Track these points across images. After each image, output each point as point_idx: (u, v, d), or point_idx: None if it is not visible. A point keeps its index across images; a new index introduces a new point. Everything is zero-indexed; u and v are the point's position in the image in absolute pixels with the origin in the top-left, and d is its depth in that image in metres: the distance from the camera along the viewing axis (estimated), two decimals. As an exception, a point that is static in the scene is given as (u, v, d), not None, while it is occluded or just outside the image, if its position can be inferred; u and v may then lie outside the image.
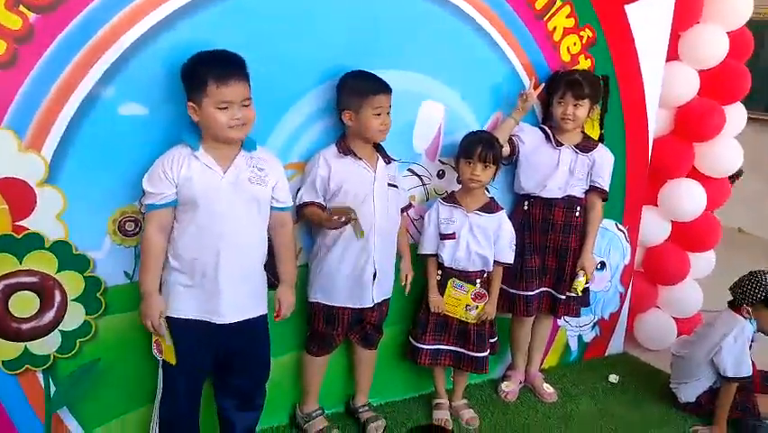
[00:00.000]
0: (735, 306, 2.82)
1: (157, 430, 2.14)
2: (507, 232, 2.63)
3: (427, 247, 2.62)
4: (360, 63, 2.36)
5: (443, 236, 2.59)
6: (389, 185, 2.41)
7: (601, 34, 2.91)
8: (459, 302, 2.61)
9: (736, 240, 6.02)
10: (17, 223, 1.99)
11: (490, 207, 2.61)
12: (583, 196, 2.82)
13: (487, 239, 2.59)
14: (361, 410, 2.68)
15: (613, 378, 3.22)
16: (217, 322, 2.07)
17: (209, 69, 1.92)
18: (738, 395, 2.78)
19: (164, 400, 2.14)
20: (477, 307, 2.60)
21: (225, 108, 1.94)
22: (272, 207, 2.15)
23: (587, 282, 2.86)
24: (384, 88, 2.29)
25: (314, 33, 2.30)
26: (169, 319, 2.04)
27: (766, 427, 2.80)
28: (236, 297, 2.08)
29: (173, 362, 2.05)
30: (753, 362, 2.81)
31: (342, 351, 2.66)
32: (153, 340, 2.12)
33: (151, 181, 1.99)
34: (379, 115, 2.28)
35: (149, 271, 2.03)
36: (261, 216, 2.12)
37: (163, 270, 2.06)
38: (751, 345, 2.80)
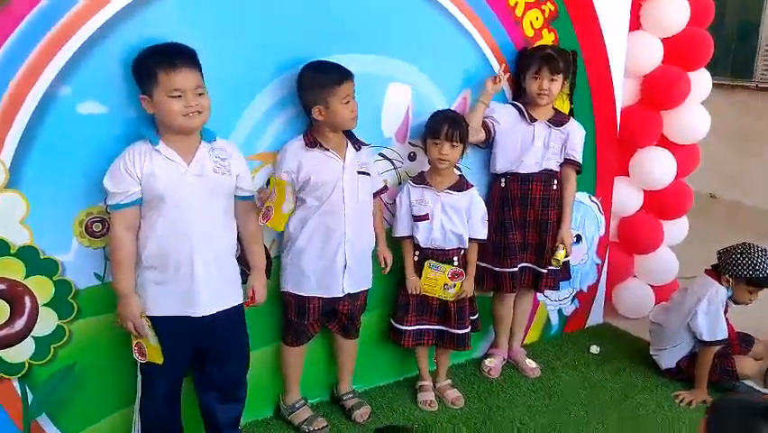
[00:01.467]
0: (716, 271, 2.84)
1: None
2: (479, 209, 2.63)
3: (401, 230, 2.62)
4: (319, 50, 2.34)
5: (417, 218, 2.59)
6: (360, 173, 2.39)
7: (563, 7, 2.91)
8: (436, 282, 2.61)
9: (708, 206, 6.10)
10: (-21, 231, 1.95)
11: (461, 186, 2.61)
12: (558, 169, 2.83)
13: (460, 217, 2.60)
14: (345, 398, 2.67)
15: (594, 349, 3.25)
16: (195, 315, 2.05)
17: (158, 60, 1.91)
18: (717, 358, 2.82)
19: (144, 401, 2.12)
20: (455, 285, 2.61)
21: (179, 96, 1.92)
22: (237, 197, 2.14)
23: (566, 255, 2.87)
24: (347, 75, 2.27)
25: (270, 22, 2.27)
26: (150, 319, 2.02)
27: (745, 387, 2.86)
28: (212, 288, 2.07)
29: (160, 361, 2.03)
30: (730, 324, 2.85)
31: (323, 340, 2.66)
32: (134, 344, 2.08)
33: (114, 180, 1.96)
34: (347, 103, 2.26)
35: (122, 271, 2.00)
36: (228, 206, 2.12)
37: (144, 270, 2.03)
38: (726, 309, 2.84)
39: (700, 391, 2.80)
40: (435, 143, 2.51)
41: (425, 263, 2.60)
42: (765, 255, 2.75)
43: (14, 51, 1.89)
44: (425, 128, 2.57)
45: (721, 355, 2.83)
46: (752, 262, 2.74)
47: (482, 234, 2.65)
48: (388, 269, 2.60)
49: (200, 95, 1.96)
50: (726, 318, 2.83)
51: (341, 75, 2.26)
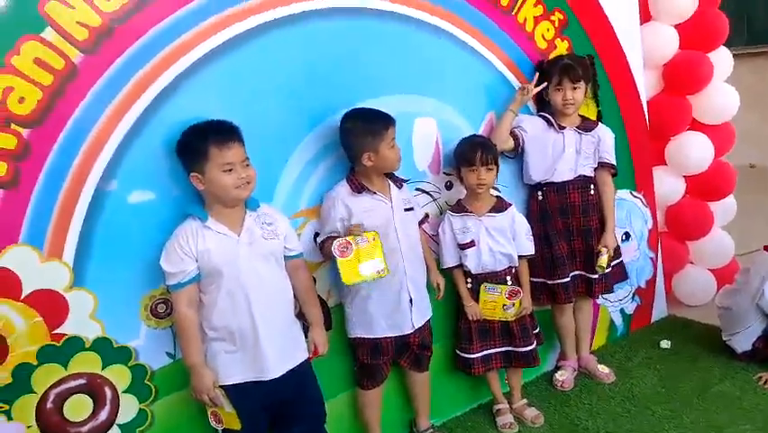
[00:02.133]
0: None
1: None
2: (522, 225, 2.65)
3: (449, 260, 2.64)
4: (347, 99, 2.40)
5: (463, 246, 2.61)
6: (407, 209, 2.44)
7: (572, 15, 2.94)
8: (495, 304, 2.61)
9: (750, 176, 5.98)
10: (54, 331, 2.02)
11: (500, 207, 2.63)
12: (593, 174, 2.83)
13: (505, 237, 2.61)
14: (426, 433, 2.68)
15: (665, 343, 3.20)
16: (267, 379, 2.10)
17: (209, 136, 1.99)
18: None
19: None
20: (514, 304, 2.61)
21: (230, 170, 1.99)
22: (286, 257, 2.19)
23: (610, 260, 2.84)
24: (391, 120, 2.34)
25: (296, 81, 2.34)
26: (222, 388, 2.07)
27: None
28: (278, 349, 2.11)
29: (238, 427, 2.06)
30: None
31: (396, 378, 2.67)
32: (210, 412, 2.13)
33: (170, 261, 2.02)
34: (393, 147, 2.33)
35: (190, 346, 2.06)
36: (280, 268, 2.17)
37: (210, 342, 2.09)
38: (793, 282, 2.78)
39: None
40: (472, 170, 2.53)
41: (481, 288, 2.61)
42: None
43: (62, 156, 1.97)
44: (455, 157, 2.61)
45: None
46: None
47: (530, 249, 2.66)
48: (441, 294, 2.61)
49: (247, 165, 2.04)
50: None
51: (386, 121, 2.32)
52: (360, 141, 2.30)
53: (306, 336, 2.27)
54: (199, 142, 1.99)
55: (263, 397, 2.11)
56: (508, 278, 2.65)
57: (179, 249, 2.01)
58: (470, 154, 2.53)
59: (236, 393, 2.08)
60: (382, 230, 2.34)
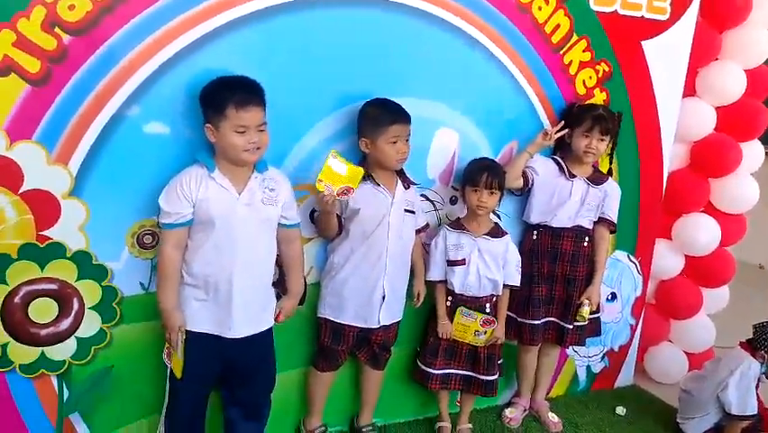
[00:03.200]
0: (751, 345, 2.81)
1: None
2: (514, 255, 2.68)
3: (435, 274, 2.66)
4: (376, 90, 2.43)
5: (452, 262, 2.64)
6: (406, 211, 2.47)
7: (617, 69, 2.95)
8: (467, 328, 2.64)
9: (757, 276, 5.95)
10: (41, 232, 2.08)
11: (497, 232, 2.67)
12: (591, 227, 2.85)
13: (496, 263, 2.64)
14: (364, 430, 2.72)
15: (620, 410, 3.21)
16: (228, 336, 2.14)
17: (231, 94, 2.00)
18: (745, 433, 2.77)
19: (170, 410, 2.21)
20: (485, 332, 2.64)
21: (243, 132, 2.02)
22: (280, 225, 2.22)
23: (592, 312, 2.87)
24: (400, 118, 2.35)
25: (330, 60, 2.38)
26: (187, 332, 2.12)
27: (772, 467, 2.79)
28: (247, 312, 2.16)
29: (178, 375, 2.12)
30: (760, 400, 2.80)
31: (350, 369, 2.71)
32: (165, 347, 2.19)
33: (168, 201, 2.06)
34: (394, 143, 2.35)
35: (167, 287, 2.10)
36: (272, 234, 2.21)
37: (185, 286, 2.14)
38: (758, 384, 2.78)
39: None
40: (475, 190, 2.57)
41: (458, 309, 2.63)
42: None
43: (93, 71, 2.04)
44: (463, 175, 2.64)
45: (749, 431, 2.77)
46: None
47: (516, 280, 2.69)
48: (419, 303, 2.65)
49: (261, 131, 2.06)
50: (758, 394, 2.78)
51: (395, 116, 2.35)
52: (363, 125, 2.36)
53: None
54: (220, 98, 2.02)
55: (220, 353, 2.16)
56: (488, 305, 2.68)
57: (180, 191, 2.05)
58: (477, 174, 2.56)
59: (196, 340, 2.12)
60: (374, 222, 2.38)
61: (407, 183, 2.49)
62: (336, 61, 2.39)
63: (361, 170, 2.22)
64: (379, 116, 2.34)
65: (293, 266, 2.32)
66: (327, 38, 2.36)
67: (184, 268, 2.13)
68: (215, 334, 2.14)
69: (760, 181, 3.40)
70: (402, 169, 2.48)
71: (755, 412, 2.73)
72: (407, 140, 2.38)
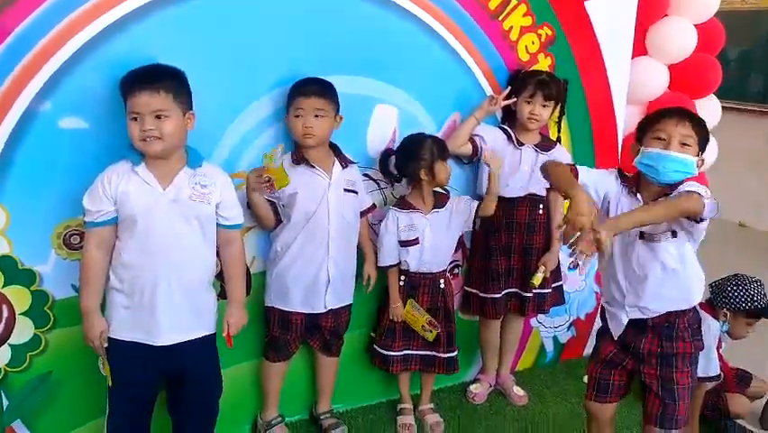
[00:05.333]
0: (712, 306, 2.76)
1: None
2: (468, 202, 2.67)
3: (388, 259, 2.60)
4: (307, 70, 2.36)
5: (405, 243, 2.58)
6: (347, 191, 2.41)
7: (561, 32, 2.88)
8: (417, 320, 2.61)
9: (737, 234, 5.93)
10: (-41, 239, 2.02)
11: (443, 201, 2.62)
12: (545, 193, 2.79)
13: (449, 230, 2.62)
14: (323, 417, 2.67)
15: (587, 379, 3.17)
16: (153, 344, 2.03)
17: (126, 81, 1.94)
18: (709, 395, 2.72)
19: (111, 417, 2.11)
20: (431, 331, 2.60)
21: (135, 119, 1.92)
22: (219, 225, 2.11)
23: (546, 281, 2.82)
24: (305, 90, 2.28)
25: (260, 41, 2.31)
26: (110, 340, 2.03)
27: (738, 427, 2.75)
28: (174, 317, 2.02)
29: (109, 383, 2.04)
30: (723, 361, 2.75)
31: (305, 358, 2.67)
32: (99, 357, 2.12)
33: (91, 199, 1.97)
34: (297, 117, 2.27)
35: (88, 290, 2.00)
36: (205, 234, 2.08)
37: (110, 291, 2.04)
38: (720, 344, 2.74)
39: (691, 428, 2.69)
40: (422, 164, 2.50)
41: (408, 301, 2.60)
42: (759, 285, 2.68)
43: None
44: (402, 151, 2.57)
45: (713, 392, 2.74)
46: (748, 293, 2.66)
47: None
48: (371, 288, 2.61)
49: (159, 118, 1.92)
50: (720, 355, 2.73)
51: (300, 88, 2.29)
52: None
53: None
54: (122, 87, 1.95)
55: (151, 361, 2.05)
56: (442, 281, 2.66)
57: (101, 188, 1.96)
58: (422, 149, 2.49)
59: (124, 349, 2.03)
60: (313, 205, 2.33)
61: (345, 162, 2.42)
62: (267, 42, 2.32)
63: (286, 179, 2.20)
64: (291, 90, 2.30)
65: (233, 271, 2.18)
66: (257, 18, 2.29)
67: (111, 270, 2.03)
68: (141, 342, 2.02)
69: (719, 136, 3.33)
70: (337, 147, 2.41)
71: (718, 373, 2.68)
72: (317, 116, 2.28)
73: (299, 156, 2.35)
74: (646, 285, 2.07)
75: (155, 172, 1.99)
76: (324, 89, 2.31)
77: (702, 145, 2.03)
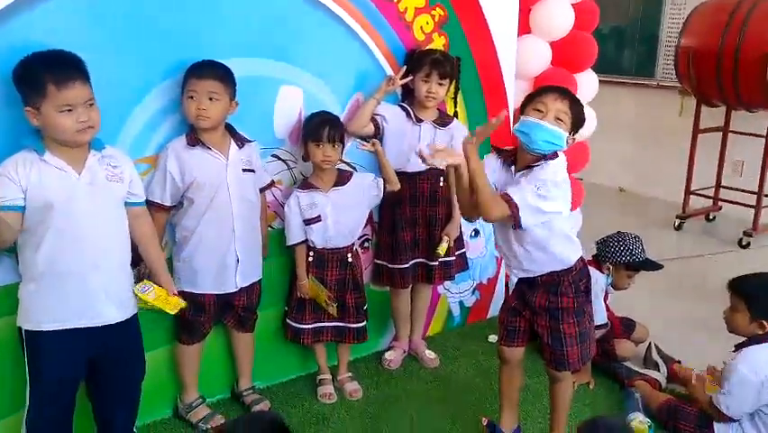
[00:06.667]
0: (597, 261, 3.04)
1: None
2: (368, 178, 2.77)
3: (294, 237, 2.69)
4: (209, 53, 2.37)
5: (308, 221, 2.67)
6: (245, 170, 2.45)
7: (452, 13, 3.03)
8: (319, 295, 2.71)
9: (618, 199, 6.41)
10: None
11: (343, 179, 2.72)
12: (444, 167, 2.94)
13: (350, 209, 2.72)
14: (245, 394, 2.73)
15: (492, 338, 3.38)
16: (90, 325, 2.03)
17: (47, 71, 1.87)
18: (598, 342, 2.99)
19: (32, 414, 2.07)
20: (332, 306, 2.71)
21: (69, 111, 1.89)
22: (127, 203, 2.13)
23: (450, 249, 3.00)
24: (201, 73, 2.28)
25: (157, 26, 2.30)
26: (32, 334, 2.00)
27: (626, 368, 3.05)
28: (110, 296, 2.05)
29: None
30: (610, 310, 3.05)
31: (221, 338, 2.71)
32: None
33: None
34: (192, 98, 2.29)
35: None
36: (121, 215, 2.11)
37: (29, 282, 2.00)
38: (606, 296, 3.03)
39: (584, 372, 2.97)
40: (318, 145, 2.59)
41: (310, 278, 2.69)
42: (638, 241, 2.98)
43: None
44: (303, 131, 2.66)
45: (602, 339, 3.02)
46: (627, 248, 2.95)
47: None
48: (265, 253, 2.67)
49: (90, 106, 1.93)
50: (607, 305, 3.02)
51: (196, 70, 2.29)
52: None
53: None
54: (35, 77, 1.87)
55: (82, 345, 2.04)
56: (349, 255, 2.77)
57: (7, 176, 1.90)
58: (318, 130, 2.58)
59: (56, 340, 2.00)
60: (213, 187, 2.36)
61: (241, 142, 2.46)
62: (170, 26, 2.31)
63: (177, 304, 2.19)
64: (186, 73, 2.31)
65: (148, 242, 2.22)
66: (159, 2, 2.27)
67: (30, 265, 1.98)
68: (75, 327, 2.01)
69: (597, 107, 3.62)
70: (233, 128, 2.45)
71: (605, 321, 2.97)
72: (211, 99, 2.29)
73: (194, 138, 2.36)
74: (518, 257, 2.30)
75: (65, 159, 1.96)
76: (218, 72, 2.31)
77: (575, 125, 2.20)
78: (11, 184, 1.91)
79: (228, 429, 1.52)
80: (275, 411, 2.64)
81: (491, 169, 2.29)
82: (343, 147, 2.67)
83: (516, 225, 2.13)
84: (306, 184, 2.70)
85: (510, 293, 2.47)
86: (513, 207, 2.10)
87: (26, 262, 1.99)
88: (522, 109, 2.25)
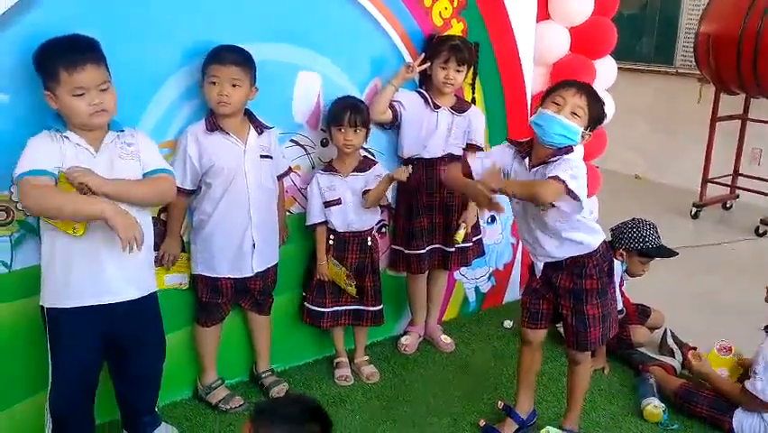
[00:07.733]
0: (612, 248, 3.03)
1: (50, 426, 2.11)
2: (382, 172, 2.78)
3: (314, 217, 2.72)
4: (228, 38, 2.39)
5: (328, 204, 2.70)
6: (264, 156, 2.47)
7: (471, -2, 3.03)
8: (339, 276, 2.74)
9: (633, 186, 6.37)
10: None
11: (363, 166, 2.73)
12: (462, 153, 2.96)
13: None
14: (263, 376, 2.77)
15: (507, 323, 3.41)
16: (108, 302, 2.05)
17: (59, 56, 1.90)
18: (614, 328, 3.01)
19: (55, 393, 2.11)
20: (351, 285, 2.74)
21: (82, 95, 1.91)
22: (147, 174, 2.10)
23: (467, 236, 3.01)
24: (224, 59, 2.29)
25: (181, 11, 2.32)
26: (53, 312, 2.03)
27: (639, 354, 3.06)
28: (126, 273, 2.07)
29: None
30: (625, 297, 3.05)
31: (239, 321, 2.75)
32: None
33: (29, 156, 1.91)
34: (214, 84, 2.30)
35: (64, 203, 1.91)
36: None
37: (52, 258, 2.02)
38: (622, 282, 3.03)
39: (599, 358, 2.99)
40: (340, 129, 2.61)
41: (329, 259, 2.72)
42: (652, 228, 2.98)
43: None
44: (327, 115, 2.67)
45: (619, 323, 3.02)
46: (641, 234, 2.95)
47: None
48: (283, 242, 2.70)
49: (104, 90, 1.94)
50: (623, 291, 3.03)
51: (218, 56, 2.30)
52: None
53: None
54: (48, 62, 1.91)
55: (99, 323, 2.06)
56: (369, 239, 2.80)
57: (38, 145, 1.93)
58: (340, 114, 2.60)
59: (71, 317, 2.03)
60: (231, 172, 2.39)
61: (260, 128, 2.47)
62: (187, 11, 2.33)
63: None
64: (206, 59, 2.32)
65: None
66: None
67: (44, 245, 2.01)
68: (92, 305, 2.03)
69: (615, 94, 3.60)
70: (252, 114, 2.46)
71: (621, 308, 2.97)
72: (234, 85, 2.30)
73: (213, 123, 2.37)
74: (543, 243, 2.31)
75: (85, 138, 1.99)
76: (242, 59, 2.32)
77: (592, 121, 2.19)
78: (48, 152, 1.93)
79: (267, 409, 1.54)
80: (313, 397, 2.67)
81: (504, 159, 2.30)
82: (368, 132, 2.68)
83: (574, 197, 2.09)
84: (328, 167, 2.73)
85: (531, 276, 2.48)
86: (563, 183, 2.06)
87: (55, 237, 1.99)
88: (542, 101, 2.26)
